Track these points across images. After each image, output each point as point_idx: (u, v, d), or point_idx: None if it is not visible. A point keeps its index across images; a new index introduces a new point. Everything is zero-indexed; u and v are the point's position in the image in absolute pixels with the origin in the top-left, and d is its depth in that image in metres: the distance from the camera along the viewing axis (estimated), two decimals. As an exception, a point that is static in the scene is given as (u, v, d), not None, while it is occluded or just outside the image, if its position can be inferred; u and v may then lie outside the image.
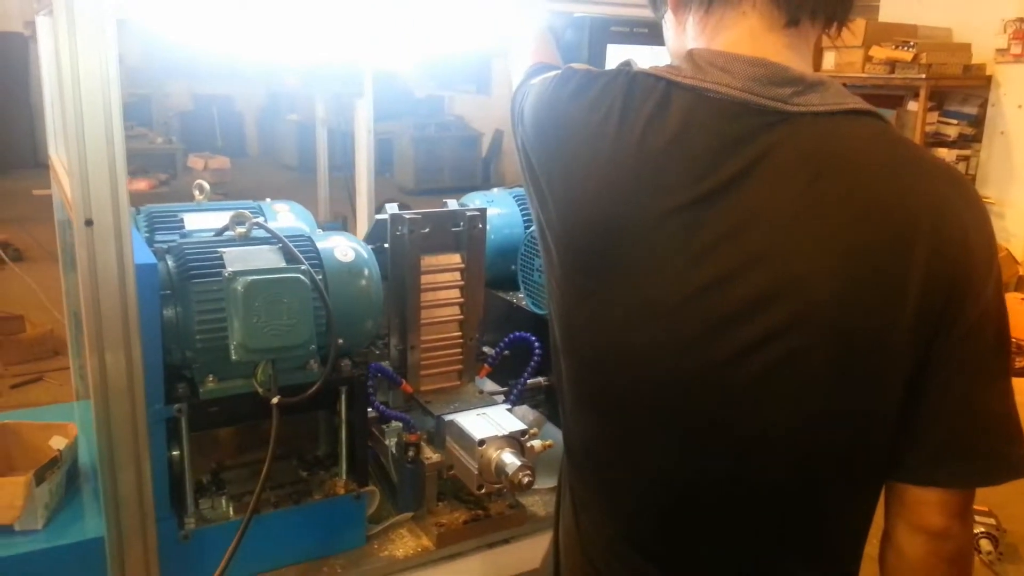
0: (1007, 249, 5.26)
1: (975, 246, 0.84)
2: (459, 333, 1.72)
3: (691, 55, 0.91)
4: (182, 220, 1.58)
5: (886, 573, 0.97)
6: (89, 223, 1.11)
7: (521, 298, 1.89)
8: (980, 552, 2.83)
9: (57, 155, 1.73)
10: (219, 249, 1.37)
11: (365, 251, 1.53)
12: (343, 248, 1.50)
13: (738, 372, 0.85)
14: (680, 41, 0.97)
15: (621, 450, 0.98)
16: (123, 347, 1.17)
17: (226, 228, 1.45)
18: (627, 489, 1.00)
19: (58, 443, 1.43)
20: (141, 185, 6.75)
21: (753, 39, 0.89)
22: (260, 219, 1.46)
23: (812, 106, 0.85)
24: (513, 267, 1.88)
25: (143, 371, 1.19)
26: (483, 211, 1.71)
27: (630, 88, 0.90)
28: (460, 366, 1.74)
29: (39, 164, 9.33)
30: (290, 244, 1.41)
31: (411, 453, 1.58)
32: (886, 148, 0.86)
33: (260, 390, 1.36)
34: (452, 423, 1.56)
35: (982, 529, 2.86)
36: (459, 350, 1.73)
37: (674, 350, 0.88)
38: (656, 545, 0.99)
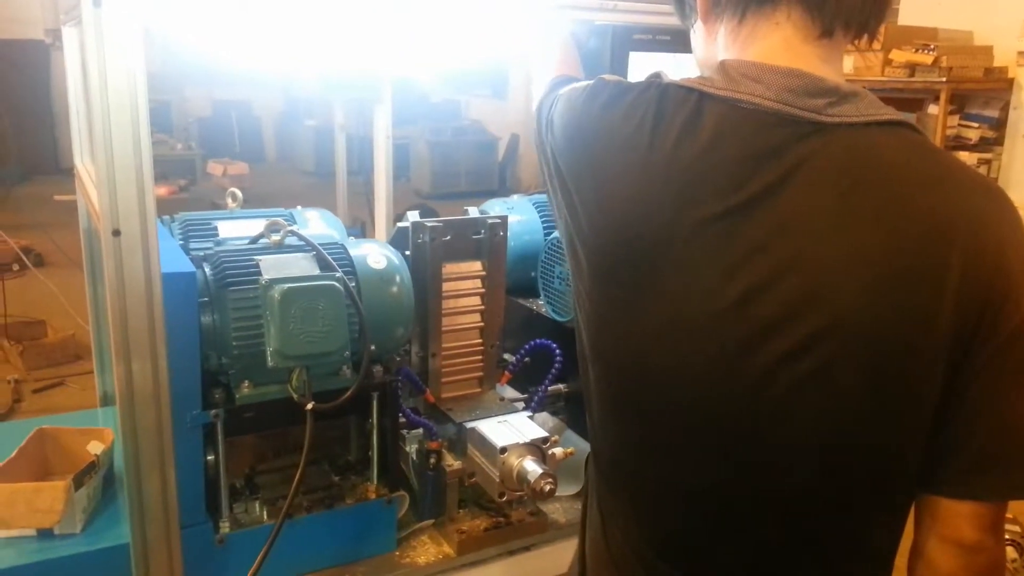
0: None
1: (1011, 259, 0.83)
2: (480, 340, 1.73)
3: (723, 66, 0.91)
4: (216, 228, 1.60)
5: None
6: (117, 233, 1.11)
7: (541, 305, 1.89)
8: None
9: (83, 165, 1.75)
10: (255, 257, 1.39)
11: (397, 258, 1.55)
12: (376, 255, 1.51)
13: (770, 383, 0.85)
14: (710, 51, 0.97)
15: (650, 459, 0.98)
16: (149, 356, 1.17)
17: (261, 236, 1.46)
18: (656, 498, 1.00)
19: (95, 448, 1.45)
20: (161, 191, 6.81)
21: (787, 50, 0.89)
22: (294, 227, 1.47)
23: (847, 117, 0.85)
24: (533, 274, 1.88)
25: (171, 378, 1.19)
26: (504, 218, 1.71)
27: (662, 99, 0.90)
28: (481, 373, 1.75)
29: (60, 170, 9.43)
30: (324, 252, 1.42)
31: (432, 460, 1.58)
32: (921, 160, 0.86)
33: (295, 396, 1.37)
34: (474, 430, 1.57)
35: (1008, 537, 2.84)
36: (480, 357, 1.73)
37: (706, 361, 0.88)
38: (684, 555, 0.99)
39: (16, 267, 5.86)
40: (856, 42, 0.93)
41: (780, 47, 0.90)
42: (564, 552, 1.61)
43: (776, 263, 0.83)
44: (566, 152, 0.99)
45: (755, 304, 0.84)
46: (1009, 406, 0.86)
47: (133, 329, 1.16)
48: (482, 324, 1.72)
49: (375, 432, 1.53)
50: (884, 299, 0.81)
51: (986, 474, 0.87)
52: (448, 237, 1.63)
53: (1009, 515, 2.86)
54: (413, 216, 1.66)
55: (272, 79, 9.15)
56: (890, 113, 0.86)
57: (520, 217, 1.94)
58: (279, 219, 1.46)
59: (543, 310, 1.88)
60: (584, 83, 1.01)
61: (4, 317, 4.70)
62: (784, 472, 0.90)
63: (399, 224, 1.68)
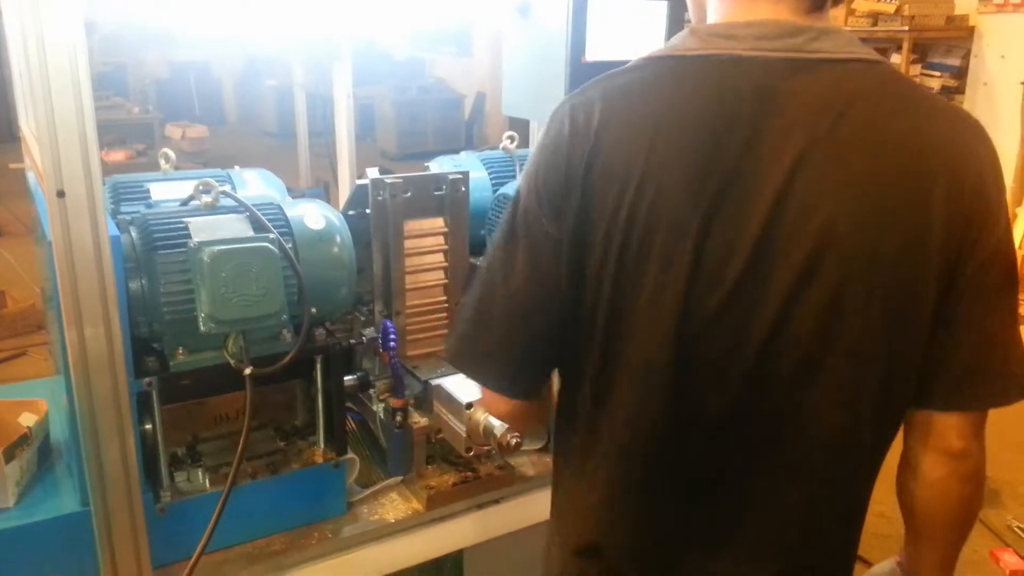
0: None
1: (989, 181, 0.89)
2: (444, 298, 1.72)
3: (692, 31, 0.94)
4: (148, 191, 1.55)
5: (906, 498, 1.05)
6: (61, 194, 1.10)
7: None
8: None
9: (27, 126, 1.69)
10: (185, 219, 1.35)
11: (337, 218, 1.51)
12: (313, 215, 1.47)
13: (783, 317, 0.89)
14: (699, 15, 1.00)
15: (678, 405, 0.97)
16: (102, 320, 1.16)
17: (192, 198, 1.42)
18: (686, 431, 0.98)
19: (27, 420, 1.41)
20: (118, 156, 6.63)
21: (767, 11, 0.91)
22: (226, 187, 1.43)
23: (828, 52, 0.88)
24: (483, 232, 1.86)
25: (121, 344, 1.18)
26: (466, 174, 1.69)
27: (642, 74, 0.94)
28: (446, 331, 1.73)
29: (14, 138, 9.15)
30: (258, 212, 1.38)
31: (399, 418, 1.58)
32: (902, 93, 0.90)
33: (232, 361, 1.35)
34: (439, 387, 1.57)
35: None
36: (445, 315, 1.73)
37: (722, 298, 0.90)
38: (706, 483, 1.01)
39: (-28, 237, 5.74)
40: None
41: (762, 9, 0.91)
42: (533, 504, 1.65)
43: (775, 196, 0.86)
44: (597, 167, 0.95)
45: (765, 241, 0.87)
46: (989, 322, 0.93)
47: (84, 293, 1.14)
48: (446, 281, 1.71)
49: (320, 396, 1.50)
50: (878, 224, 0.86)
51: (972, 386, 0.95)
52: (408, 193, 1.61)
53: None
54: (372, 173, 1.62)
55: (230, 39, 8.93)
56: (867, 52, 0.90)
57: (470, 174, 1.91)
58: (211, 180, 1.41)
59: (493, 268, 1.86)
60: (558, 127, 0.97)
61: (-38, 289, 4.61)
62: (798, 400, 0.93)
63: (358, 181, 1.65)
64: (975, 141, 0.90)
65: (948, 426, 0.97)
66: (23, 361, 4.26)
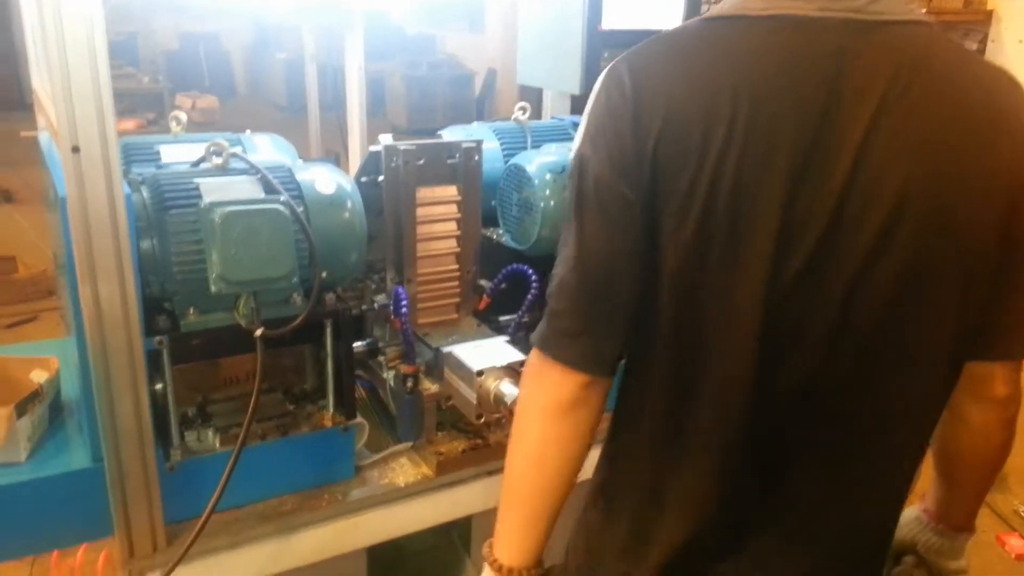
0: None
1: None
2: (456, 266, 1.72)
3: None
4: (158, 152, 1.54)
5: (950, 447, 1.11)
6: (76, 150, 1.10)
7: (501, 234, 1.87)
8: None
9: (41, 84, 1.69)
10: (196, 180, 1.34)
11: (348, 183, 1.51)
12: (324, 180, 1.47)
13: (864, 276, 0.89)
14: None
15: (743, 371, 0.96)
16: (116, 276, 1.17)
17: (203, 159, 1.41)
18: (767, 405, 0.97)
19: (39, 376, 1.42)
20: (129, 125, 6.65)
21: None
22: (237, 150, 1.42)
23: (887, 15, 0.88)
24: (493, 203, 1.85)
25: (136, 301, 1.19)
26: (479, 143, 1.68)
27: (707, 34, 0.93)
28: (458, 299, 1.74)
29: (26, 106, 9.15)
30: (269, 175, 1.38)
31: (410, 384, 1.59)
32: (957, 52, 0.92)
33: (243, 323, 1.35)
34: (450, 355, 1.57)
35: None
36: (456, 283, 1.73)
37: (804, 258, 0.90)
38: (778, 461, 1.00)
39: (-18, 204, 5.77)
40: None
41: None
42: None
43: (852, 159, 0.86)
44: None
45: (844, 203, 0.87)
46: None
47: (98, 249, 1.15)
48: (458, 250, 1.71)
49: (329, 360, 1.51)
50: (950, 183, 0.87)
51: (1019, 336, 0.99)
52: (421, 161, 1.60)
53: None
54: (386, 139, 1.61)
55: (240, 9, 8.88)
56: (922, 14, 0.92)
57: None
58: (222, 141, 1.41)
59: (502, 239, 1.86)
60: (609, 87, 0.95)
61: (-27, 253, 4.64)
62: (875, 358, 0.94)
63: (371, 148, 1.64)
64: None
65: (995, 375, 1.03)
66: (34, 325, 4.30)
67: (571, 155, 0.99)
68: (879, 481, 1.03)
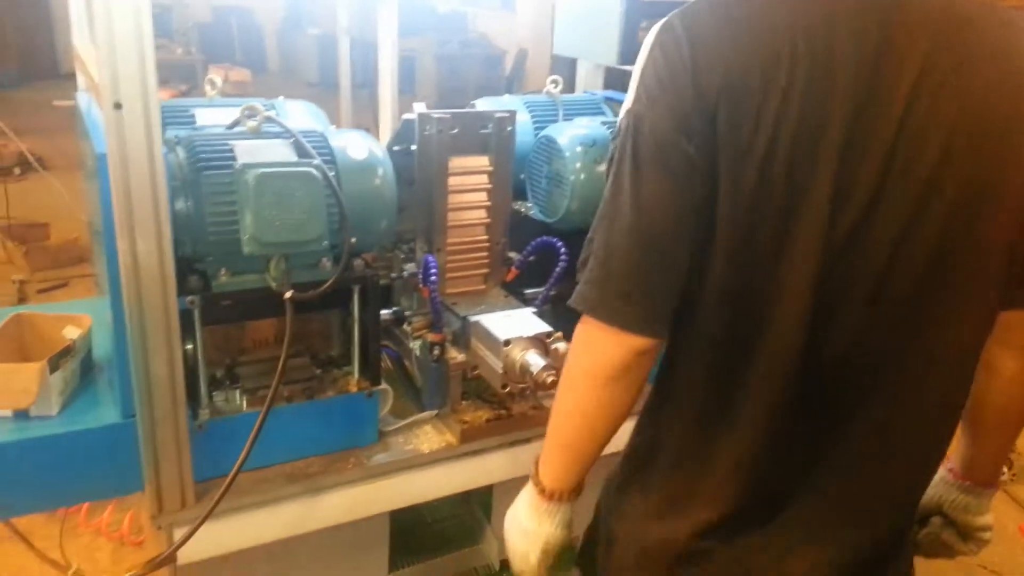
0: None
1: None
2: (486, 237, 1.72)
3: None
4: (194, 115, 1.56)
5: (978, 395, 1.11)
6: (118, 106, 1.11)
7: (528, 207, 1.86)
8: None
9: (81, 43, 1.71)
10: (230, 142, 1.35)
11: (380, 150, 1.51)
12: (357, 145, 1.47)
13: (909, 231, 0.90)
14: None
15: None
16: (154, 233, 1.18)
17: (237, 122, 1.42)
18: (815, 364, 0.97)
19: (71, 333, 1.44)
20: (162, 95, 6.68)
21: None
22: (271, 113, 1.43)
23: None
24: (522, 175, 1.84)
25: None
26: (512, 113, 1.67)
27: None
28: (486, 270, 1.74)
29: (60, 75, 9.25)
30: (302, 139, 1.38)
31: (436, 352, 1.59)
32: (1001, 18, 0.91)
33: (273, 285, 1.36)
34: (477, 324, 1.58)
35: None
36: (485, 253, 1.73)
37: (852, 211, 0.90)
38: (824, 423, 1.01)
39: (18, 171, 5.83)
40: None
41: None
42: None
43: (902, 109, 0.87)
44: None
45: (892, 155, 0.88)
46: None
47: (137, 205, 1.16)
48: (488, 220, 1.71)
49: (356, 326, 1.52)
50: (995, 138, 0.88)
51: None
52: (455, 130, 1.61)
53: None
54: (420, 107, 1.61)
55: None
56: None
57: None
58: (256, 104, 1.41)
59: (531, 212, 1.85)
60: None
61: (8, 219, 4.69)
62: (919, 314, 0.95)
63: (405, 116, 1.64)
64: None
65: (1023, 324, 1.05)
66: (65, 291, 4.36)
67: (621, 116, 0.98)
68: (917, 446, 1.04)
